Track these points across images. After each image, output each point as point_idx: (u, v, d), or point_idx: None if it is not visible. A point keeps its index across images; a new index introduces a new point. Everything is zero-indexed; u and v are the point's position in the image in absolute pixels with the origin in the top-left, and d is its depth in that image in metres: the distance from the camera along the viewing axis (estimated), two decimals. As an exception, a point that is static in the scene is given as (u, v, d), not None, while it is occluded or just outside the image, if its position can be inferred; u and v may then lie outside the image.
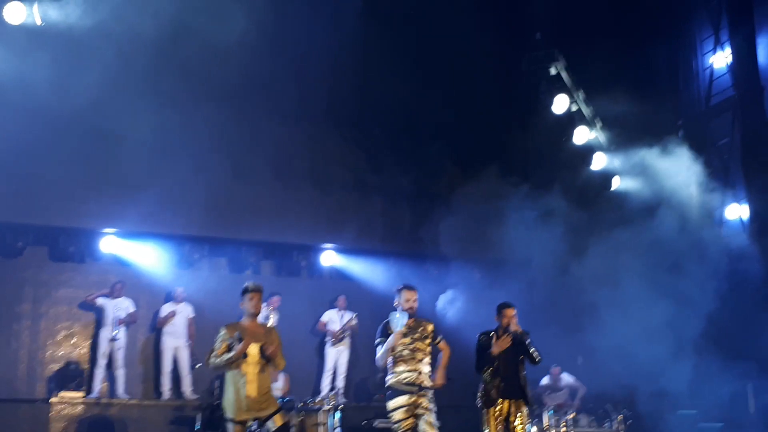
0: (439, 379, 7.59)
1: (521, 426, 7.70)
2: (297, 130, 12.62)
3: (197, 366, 11.67)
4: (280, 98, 12.44)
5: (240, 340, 7.10)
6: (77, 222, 11.99)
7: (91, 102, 10.68)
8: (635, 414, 11.62)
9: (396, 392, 7.51)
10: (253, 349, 7.17)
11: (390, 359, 7.58)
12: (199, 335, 12.22)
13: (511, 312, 7.85)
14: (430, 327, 7.75)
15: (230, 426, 7.10)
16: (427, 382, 7.55)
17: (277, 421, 7.21)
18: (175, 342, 12.20)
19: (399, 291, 7.76)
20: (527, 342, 7.79)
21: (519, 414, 7.74)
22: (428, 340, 7.64)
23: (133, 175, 11.59)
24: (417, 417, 7.46)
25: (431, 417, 7.48)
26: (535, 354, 7.81)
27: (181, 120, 11.46)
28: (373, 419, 11.10)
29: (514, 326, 7.75)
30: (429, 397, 7.51)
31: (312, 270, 14.07)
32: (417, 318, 7.71)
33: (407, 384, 7.51)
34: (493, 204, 11.10)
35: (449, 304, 11.89)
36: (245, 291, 7.41)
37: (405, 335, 7.60)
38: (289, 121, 12.55)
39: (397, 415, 7.48)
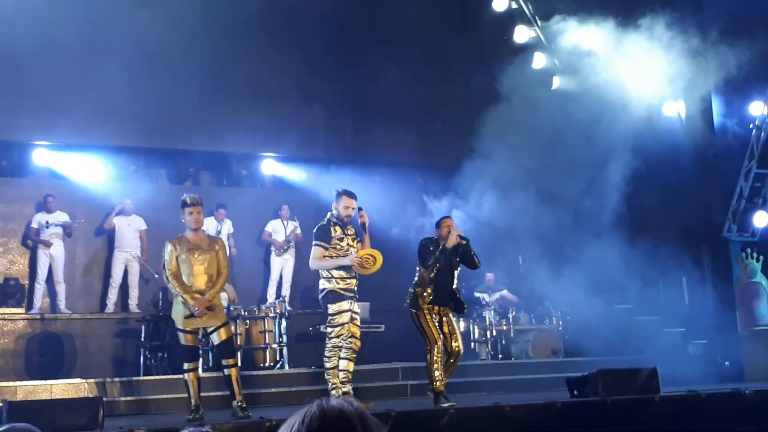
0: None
1: (455, 339, 7.86)
2: (234, 36, 12.24)
3: (156, 276, 11.56)
4: (216, 3, 12.02)
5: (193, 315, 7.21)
6: (8, 135, 11.61)
7: (21, 8, 10.19)
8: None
9: (338, 296, 7.63)
10: (200, 270, 7.23)
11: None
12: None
13: (450, 221, 7.96)
14: (353, 230, 7.91)
15: (181, 335, 7.26)
16: (356, 288, 7.75)
17: (222, 334, 7.32)
18: (124, 255, 12.03)
19: (339, 195, 7.80)
20: (468, 247, 7.90)
21: (450, 325, 7.90)
22: (357, 241, 7.79)
23: (63, 85, 11.19)
24: (353, 321, 7.69)
25: (358, 320, 7.77)
26: (476, 259, 7.96)
27: (114, 26, 11.04)
28: (318, 325, 11.20)
29: (453, 235, 7.82)
30: (357, 301, 7.77)
31: (254, 179, 13.95)
32: (352, 226, 7.82)
33: (347, 290, 7.65)
34: (435, 107, 11.01)
35: None
36: (184, 205, 7.40)
37: (342, 239, 7.72)
38: (225, 26, 12.16)
39: (341, 318, 7.62)
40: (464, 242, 7.88)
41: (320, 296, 7.80)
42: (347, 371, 7.66)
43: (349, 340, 7.68)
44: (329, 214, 7.86)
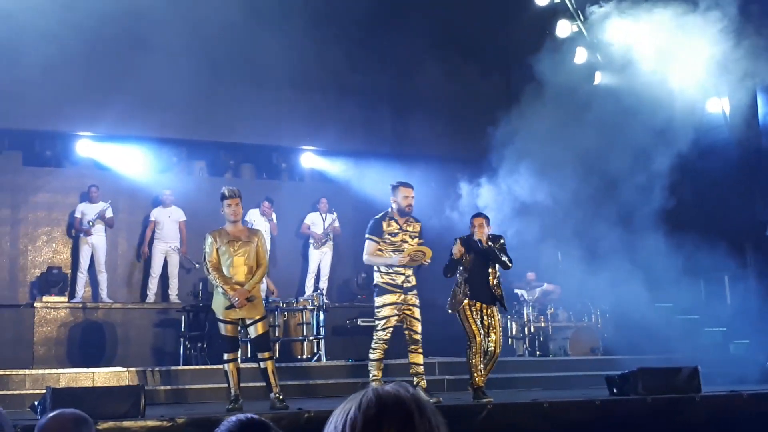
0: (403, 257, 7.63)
1: (494, 336, 7.81)
2: (274, 30, 12.28)
3: (197, 266, 11.68)
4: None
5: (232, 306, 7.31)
6: (52, 125, 11.78)
7: (66, 3, 10.34)
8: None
9: (383, 290, 7.65)
10: (240, 262, 7.32)
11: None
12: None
13: (478, 221, 7.87)
14: (419, 225, 7.85)
15: (221, 325, 7.36)
16: (411, 282, 7.69)
17: (258, 328, 7.41)
18: (164, 247, 12.16)
19: (395, 188, 7.78)
20: (497, 248, 7.81)
21: (491, 321, 7.84)
22: (417, 240, 7.73)
23: (108, 77, 11.33)
24: (405, 312, 7.65)
25: (417, 312, 7.68)
26: (505, 259, 7.85)
27: (157, 20, 11.11)
28: (356, 318, 11.25)
29: (480, 234, 7.76)
30: (414, 293, 7.67)
31: (293, 172, 14.01)
32: (408, 217, 7.78)
33: (393, 285, 7.64)
34: (474, 101, 10.96)
35: None
36: (223, 197, 7.50)
37: (396, 234, 7.70)
38: (266, 20, 12.20)
39: (384, 312, 7.63)
40: (491, 244, 7.80)
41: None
42: (414, 363, 7.66)
43: (405, 332, 7.70)
44: (389, 209, 7.83)
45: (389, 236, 7.67)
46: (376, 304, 7.70)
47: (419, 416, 1.39)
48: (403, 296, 7.64)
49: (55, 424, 3.01)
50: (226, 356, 7.49)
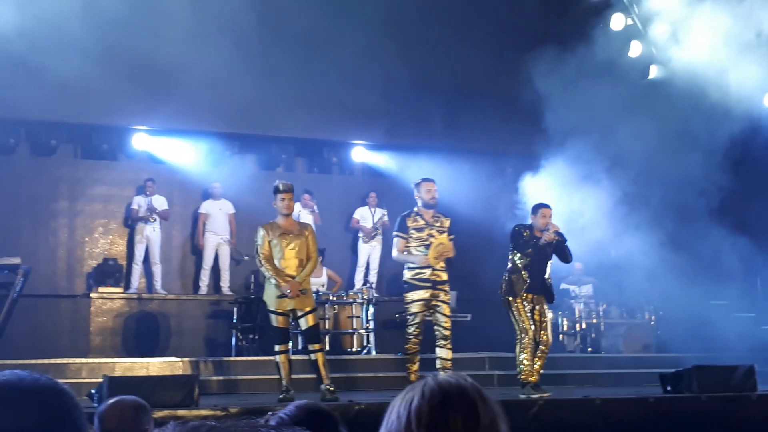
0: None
1: (545, 327, 7.81)
2: (325, 23, 12.33)
3: (246, 258, 11.83)
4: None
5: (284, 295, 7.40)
6: (109, 119, 11.99)
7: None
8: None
9: (412, 287, 7.71)
10: (291, 255, 7.40)
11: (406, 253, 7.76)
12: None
13: (548, 212, 7.87)
14: (448, 222, 7.89)
15: (272, 317, 7.46)
16: (443, 276, 7.73)
17: (309, 320, 7.48)
18: (215, 239, 12.32)
19: (418, 185, 7.91)
20: (563, 243, 7.82)
21: (542, 312, 7.83)
22: (445, 235, 7.76)
23: (163, 72, 11.46)
24: (433, 308, 7.70)
25: (446, 309, 7.73)
26: (569, 254, 7.88)
27: (211, 16, 11.25)
28: (404, 312, 11.22)
29: (553, 226, 7.76)
30: (444, 290, 7.72)
31: (343, 166, 14.06)
32: (436, 212, 7.83)
33: (421, 280, 7.68)
34: (527, 95, 10.86)
35: None
36: (276, 191, 7.57)
37: (422, 230, 7.75)
38: (317, 13, 12.26)
39: (413, 308, 7.71)
40: (557, 238, 7.79)
41: None
42: (442, 358, 7.70)
43: (434, 327, 7.75)
44: (415, 206, 7.92)
45: (415, 231, 7.76)
46: (406, 301, 7.82)
47: (482, 405, 1.39)
48: (431, 292, 7.69)
49: (116, 410, 3.09)
50: (277, 348, 7.58)
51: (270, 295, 7.53)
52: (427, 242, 7.71)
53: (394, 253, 7.90)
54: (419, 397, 1.39)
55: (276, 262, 7.51)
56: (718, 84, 11.56)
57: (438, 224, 7.84)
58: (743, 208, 12.43)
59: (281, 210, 7.60)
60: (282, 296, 7.40)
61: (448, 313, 7.83)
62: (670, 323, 11.65)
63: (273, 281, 7.44)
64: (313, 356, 7.56)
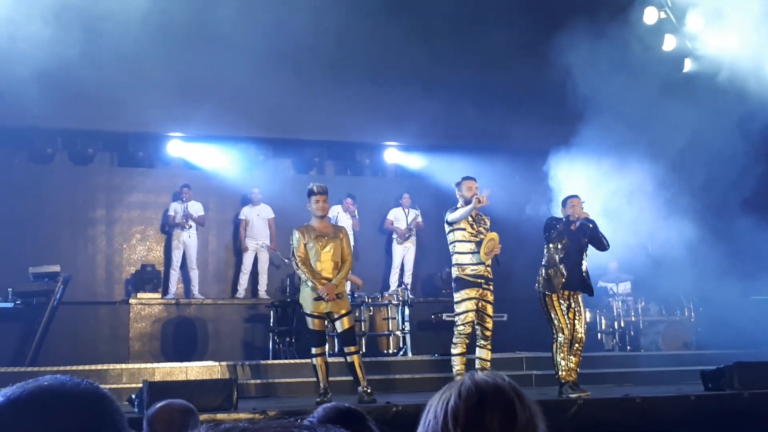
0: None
1: (579, 323, 7.74)
2: (355, 25, 12.35)
3: (286, 261, 11.91)
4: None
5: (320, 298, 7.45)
6: (144, 127, 12.13)
7: (157, 8, 10.65)
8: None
9: (463, 283, 7.65)
10: (326, 257, 7.41)
11: (456, 251, 7.72)
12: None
13: (578, 201, 7.83)
14: (488, 220, 7.91)
15: (309, 320, 7.47)
16: (491, 274, 7.69)
17: (345, 323, 7.49)
18: (255, 244, 12.41)
19: (459, 184, 7.88)
20: (596, 229, 7.77)
21: (578, 308, 7.76)
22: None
23: (197, 79, 11.58)
24: (479, 307, 7.65)
25: (491, 309, 7.70)
26: (605, 240, 7.81)
27: (241, 22, 11.32)
28: (440, 313, 11.24)
29: (582, 213, 7.71)
30: (491, 289, 7.68)
31: (376, 168, 14.08)
32: (477, 211, 7.81)
33: (474, 276, 7.63)
34: (559, 93, 10.79)
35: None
36: (310, 193, 7.60)
37: (470, 227, 7.72)
38: (347, 16, 12.29)
39: (463, 306, 7.63)
40: (590, 225, 7.74)
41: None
42: (481, 359, 7.66)
43: (476, 326, 7.70)
44: (457, 204, 7.90)
45: (466, 224, 7.71)
46: (456, 299, 7.75)
47: (520, 404, 1.39)
48: (481, 291, 7.66)
49: (165, 414, 3.13)
50: (314, 350, 7.61)
51: (306, 298, 7.57)
52: (477, 238, 7.68)
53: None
54: (456, 396, 1.39)
55: (312, 264, 7.54)
56: (753, 74, 11.40)
57: (482, 223, 7.84)
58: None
59: (315, 212, 7.63)
60: (318, 299, 7.43)
61: (492, 314, 7.76)
62: (709, 320, 11.49)
63: (309, 284, 7.48)
64: (349, 358, 7.58)
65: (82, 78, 10.95)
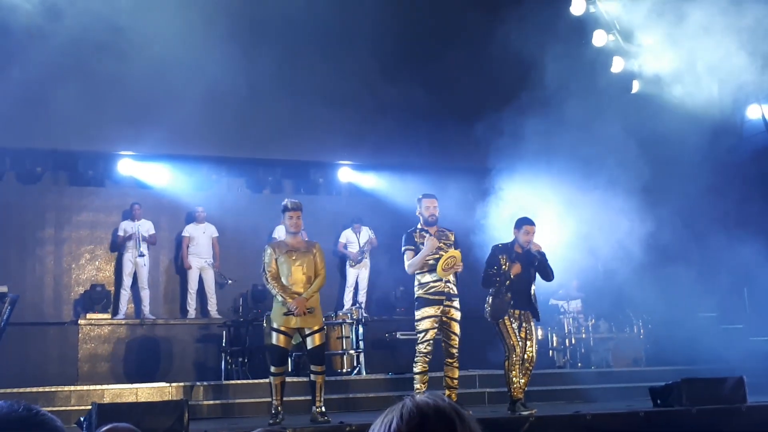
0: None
1: (531, 342, 7.81)
2: (308, 45, 12.40)
3: (229, 282, 11.84)
4: (291, 14, 12.18)
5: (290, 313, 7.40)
6: (95, 146, 11.98)
7: (107, 25, 10.57)
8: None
9: (422, 302, 7.65)
10: (298, 272, 7.37)
11: (417, 270, 7.70)
12: (222, 255, 12.42)
13: (532, 229, 7.89)
14: (452, 235, 7.88)
15: (275, 335, 7.41)
16: (454, 290, 7.67)
17: (316, 339, 7.45)
18: (199, 262, 12.32)
19: (419, 200, 7.91)
20: (545, 259, 7.83)
21: (529, 327, 7.83)
22: (452, 249, 7.72)
23: (148, 97, 11.48)
24: (443, 325, 7.63)
25: (456, 327, 7.65)
26: (550, 271, 7.88)
27: (195, 40, 11.28)
28: (394, 332, 11.25)
29: (535, 245, 7.78)
30: (455, 305, 7.65)
31: (330, 187, 14.08)
32: (439, 227, 7.82)
33: (433, 294, 7.62)
34: (512, 112, 10.93)
35: None
36: (285, 209, 7.57)
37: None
38: (300, 35, 12.33)
39: (423, 325, 7.62)
40: (538, 256, 7.82)
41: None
42: (448, 377, 7.63)
43: (443, 344, 7.68)
44: (418, 223, 7.91)
45: (422, 246, 7.69)
46: (416, 317, 7.71)
47: (461, 424, 1.40)
48: (442, 308, 7.62)
49: (110, 438, 3.09)
50: (273, 369, 7.52)
51: (276, 313, 7.49)
52: (436, 255, 7.66)
53: (407, 266, 7.77)
54: (398, 419, 1.40)
55: (283, 279, 7.48)
56: (699, 95, 11.68)
57: (444, 239, 7.82)
58: (728, 218, 12.53)
59: (289, 228, 7.62)
60: (288, 313, 7.36)
61: (458, 332, 7.69)
62: (658, 336, 11.68)
63: (280, 298, 7.41)
64: (313, 377, 7.50)
65: (29, 96, 10.81)
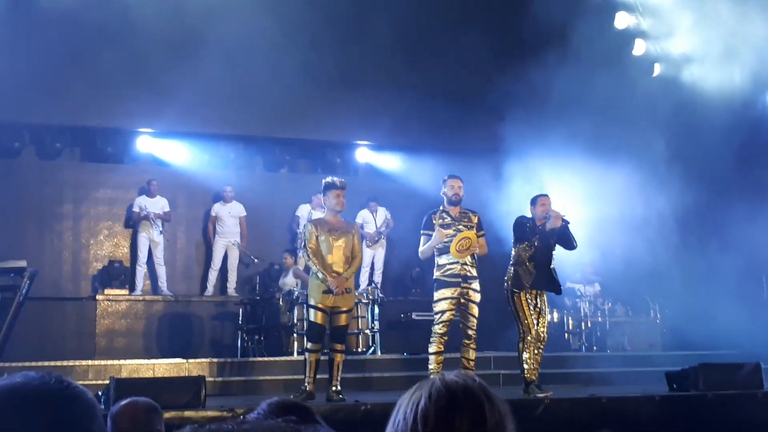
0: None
1: (542, 323, 7.79)
2: (328, 25, 12.34)
3: (256, 261, 11.84)
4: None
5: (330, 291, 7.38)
6: (113, 122, 12.03)
7: (126, 2, 10.56)
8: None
9: (439, 283, 7.65)
10: (338, 252, 7.34)
11: (435, 251, 7.70)
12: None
13: (546, 200, 7.87)
14: (476, 217, 7.84)
15: (312, 312, 7.40)
16: (472, 273, 7.65)
17: (343, 319, 7.47)
18: (225, 242, 12.35)
19: (444, 180, 7.88)
20: (567, 228, 7.80)
21: (543, 308, 7.80)
22: (474, 231, 7.70)
23: (167, 74, 11.48)
24: (461, 307, 7.63)
25: (474, 309, 7.64)
26: (574, 240, 7.84)
27: (216, 18, 11.26)
28: (410, 312, 11.26)
29: (554, 212, 7.74)
30: (474, 287, 7.63)
31: (347, 167, 14.04)
32: (463, 208, 7.80)
33: (450, 276, 7.62)
34: (529, 96, 10.85)
35: None
36: (332, 186, 7.53)
37: (449, 226, 7.70)
38: (321, 15, 12.27)
39: (439, 306, 7.62)
40: (563, 224, 7.78)
41: None
42: (465, 358, 7.64)
43: (461, 326, 7.68)
44: (442, 204, 7.89)
45: (441, 228, 7.67)
46: (434, 299, 7.72)
47: (489, 406, 1.39)
48: (460, 290, 7.61)
49: (128, 411, 3.12)
50: (310, 345, 7.52)
51: (314, 290, 7.46)
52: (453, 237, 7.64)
53: (419, 251, 7.80)
54: (426, 398, 1.38)
55: (323, 257, 7.48)
56: (720, 80, 11.56)
57: (465, 220, 7.78)
58: (746, 206, 12.41)
59: (334, 206, 7.57)
60: (327, 291, 7.37)
61: (476, 313, 7.68)
62: (675, 321, 11.63)
63: (320, 275, 7.39)
64: (332, 355, 7.53)
65: (48, 73, 10.83)
